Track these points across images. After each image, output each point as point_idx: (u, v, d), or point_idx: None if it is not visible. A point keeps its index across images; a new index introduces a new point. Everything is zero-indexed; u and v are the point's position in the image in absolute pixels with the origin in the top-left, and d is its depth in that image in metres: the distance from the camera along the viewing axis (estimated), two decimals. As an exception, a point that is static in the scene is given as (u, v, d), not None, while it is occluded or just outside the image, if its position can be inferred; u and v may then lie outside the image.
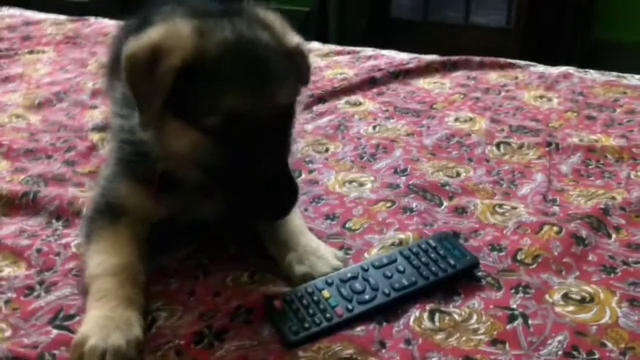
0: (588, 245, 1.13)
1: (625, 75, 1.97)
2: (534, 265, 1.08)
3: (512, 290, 1.02)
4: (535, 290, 1.02)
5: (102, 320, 0.92)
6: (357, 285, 1.00)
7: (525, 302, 0.99)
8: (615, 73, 1.99)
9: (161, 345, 0.93)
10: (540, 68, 2.02)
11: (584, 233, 1.15)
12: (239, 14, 1.03)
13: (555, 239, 1.13)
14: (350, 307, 0.97)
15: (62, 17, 2.52)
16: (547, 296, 1.01)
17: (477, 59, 2.06)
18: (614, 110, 1.73)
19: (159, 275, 1.07)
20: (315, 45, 2.23)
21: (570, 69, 2.01)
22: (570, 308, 0.98)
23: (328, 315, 0.95)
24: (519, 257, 1.10)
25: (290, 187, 0.96)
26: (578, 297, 1.00)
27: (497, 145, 1.53)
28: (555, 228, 1.16)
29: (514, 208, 1.25)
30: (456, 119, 1.68)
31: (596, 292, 1.02)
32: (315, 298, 0.98)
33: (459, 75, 1.98)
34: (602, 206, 1.24)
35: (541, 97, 1.82)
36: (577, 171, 1.42)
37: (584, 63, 2.22)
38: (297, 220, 1.13)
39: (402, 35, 4.09)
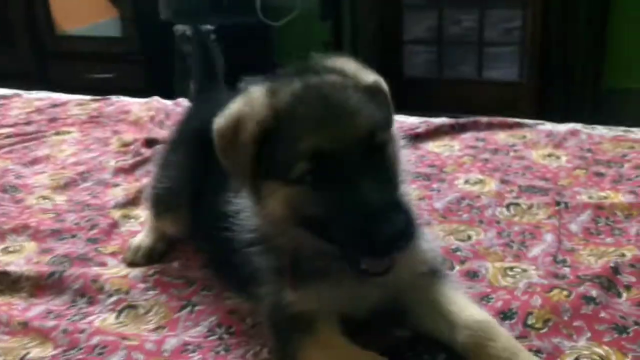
0: (599, 305, 1.14)
1: (633, 129, 2.00)
2: (545, 330, 1.09)
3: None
4: (546, 354, 1.03)
5: None
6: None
7: (536, 367, 1.01)
8: (622, 128, 2.02)
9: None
10: (548, 126, 2.07)
11: (594, 293, 1.16)
12: (309, 68, 1.05)
13: (565, 302, 1.15)
14: None
15: (87, 97, 2.64)
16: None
17: (485, 119, 2.11)
18: (622, 165, 1.76)
19: (181, 348, 1.12)
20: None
21: (578, 126, 2.05)
22: (581, 371, 0.99)
23: None
24: (529, 322, 1.11)
25: (400, 214, 0.92)
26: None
27: (507, 207, 1.56)
28: (565, 291, 1.17)
29: (524, 270, 1.27)
30: (466, 181, 1.72)
31: (607, 354, 1.03)
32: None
33: (468, 137, 2.03)
34: (612, 264, 1.26)
35: (549, 155, 1.85)
36: (587, 229, 1.44)
37: (595, 113, 2.25)
38: (475, 309, 1.07)
39: (415, 93, 4.18)
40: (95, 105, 2.55)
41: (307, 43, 4.27)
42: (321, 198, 0.94)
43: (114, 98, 2.62)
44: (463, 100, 3.84)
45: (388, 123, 1.04)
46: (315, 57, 1.08)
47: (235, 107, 1.01)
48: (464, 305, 1.06)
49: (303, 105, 0.96)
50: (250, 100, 1.00)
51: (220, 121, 1.02)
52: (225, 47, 3.90)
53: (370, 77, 1.05)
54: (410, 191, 1.62)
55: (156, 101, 2.48)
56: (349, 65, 1.05)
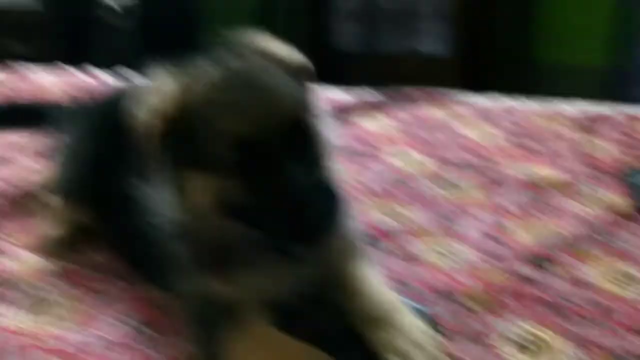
0: (534, 284, 1.12)
1: (562, 104, 2.01)
2: (480, 310, 1.06)
3: (458, 336, 1.00)
4: (481, 335, 1.00)
5: None
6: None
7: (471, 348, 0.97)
8: (554, 102, 2.03)
9: None
10: (481, 100, 2.05)
11: (529, 272, 1.15)
12: (230, 50, 0.98)
13: (501, 282, 1.12)
14: None
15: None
16: (493, 342, 0.99)
17: (416, 93, 2.07)
18: (553, 141, 1.75)
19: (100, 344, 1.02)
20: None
21: (509, 100, 2.04)
22: (518, 354, 0.96)
23: None
24: (464, 302, 1.08)
25: (325, 196, 0.88)
26: (525, 342, 0.99)
27: (440, 183, 1.53)
28: (499, 270, 1.15)
29: (457, 249, 1.24)
30: (398, 158, 1.67)
31: (544, 334, 1.00)
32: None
33: (400, 111, 1.98)
34: (545, 242, 1.24)
35: (481, 130, 1.84)
36: (519, 206, 1.42)
37: (523, 87, 2.26)
38: (383, 287, 1.03)
39: (344, 67, 4.12)
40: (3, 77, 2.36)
41: (234, 14, 4.16)
42: (248, 186, 0.89)
43: (26, 70, 2.43)
44: (392, 74, 3.82)
45: (312, 104, 0.97)
46: (236, 36, 0.99)
47: (147, 97, 0.93)
48: (376, 287, 1.02)
49: (223, 92, 0.90)
50: (163, 90, 0.92)
51: (134, 111, 0.93)
52: (148, 20, 3.78)
53: (294, 57, 0.98)
54: (339, 169, 1.59)
55: (73, 74, 2.32)
56: (272, 45, 0.98)
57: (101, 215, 1.25)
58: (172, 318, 1.03)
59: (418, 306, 1.02)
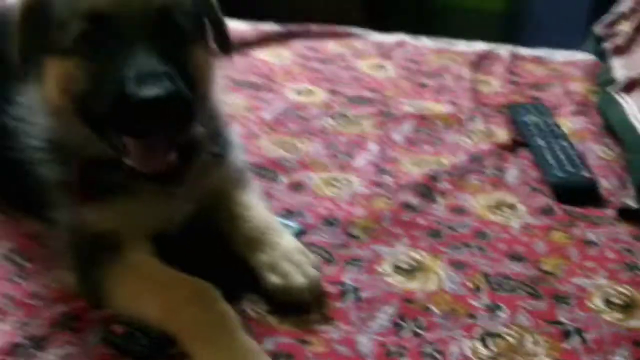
0: (417, 212, 1.17)
1: (455, 41, 2.06)
2: (366, 238, 1.10)
3: (345, 264, 1.04)
4: (366, 262, 1.05)
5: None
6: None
7: (358, 276, 1.01)
8: (446, 39, 2.07)
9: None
10: (377, 36, 2.06)
11: (413, 201, 1.19)
12: None
13: (386, 210, 1.16)
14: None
15: None
16: (378, 267, 1.03)
17: (315, 27, 2.06)
18: (444, 77, 1.80)
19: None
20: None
21: (405, 37, 2.07)
22: (400, 278, 1.01)
23: None
24: (350, 231, 1.12)
25: (167, 84, 0.77)
26: (407, 266, 1.04)
27: (334, 117, 1.54)
28: (386, 199, 1.19)
29: (349, 181, 1.27)
30: (295, 92, 1.67)
31: (422, 257, 1.06)
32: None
33: (298, 45, 1.97)
34: (430, 173, 1.29)
35: (377, 66, 1.86)
36: (409, 139, 1.47)
37: (421, 28, 2.29)
38: (263, 211, 1.03)
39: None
40: None
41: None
42: (91, 69, 0.82)
43: None
44: (292, 8, 3.75)
45: (198, 14, 0.92)
46: None
47: None
48: (257, 212, 1.02)
49: None
50: None
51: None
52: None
53: None
54: (234, 100, 1.57)
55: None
56: None
57: None
58: (51, 250, 0.99)
59: (292, 224, 1.06)
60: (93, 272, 0.91)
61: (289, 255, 0.95)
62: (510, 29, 3.64)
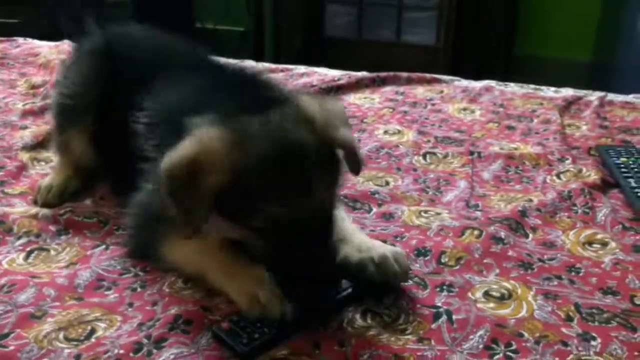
0: (507, 244, 1.20)
1: (542, 87, 2.09)
2: (457, 267, 1.14)
3: (437, 289, 1.08)
4: (458, 288, 1.08)
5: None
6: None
7: (450, 300, 1.05)
8: (532, 85, 2.11)
9: (100, 354, 0.94)
10: (464, 82, 2.13)
11: (502, 234, 1.23)
12: (276, 105, 1.03)
13: (476, 242, 1.20)
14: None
15: (-11, 38, 2.47)
16: (469, 294, 1.07)
17: (405, 74, 2.14)
18: (532, 120, 1.84)
19: (95, 284, 1.09)
20: (249, 63, 2.27)
21: (492, 83, 2.12)
22: (491, 305, 1.04)
23: (274, 325, 0.97)
24: (442, 260, 1.16)
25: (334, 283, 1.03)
26: (498, 295, 1.07)
27: (424, 155, 1.60)
28: (476, 232, 1.23)
29: (438, 214, 1.32)
30: (385, 132, 1.75)
31: (514, 287, 1.09)
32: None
33: (388, 90, 2.06)
34: (520, 209, 1.32)
35: (465, 109, 1.91)
36: (498, 177, 1.50)
37: (505, 78, 2.34)
38: (349, 224, 1.17)
39: (335, 54, 4.19)
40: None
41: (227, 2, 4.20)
42: (270, 248, 1.00)
43: (20, 39, 2.47)
44: (381, 62, 3.89)
45: (339, 185, 1.08)
46: (283, 90, 1.12)
47: (189, 148, 0.96)
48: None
49: (269, 171, 0.96)
50: (209, 147, 0.96)
51: (172, 161, 0.96)
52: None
53: (340, 132, 1.02)
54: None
55: (67, 44, 2.35)
56: (320, 113, 1.02)
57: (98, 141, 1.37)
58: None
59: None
60: (155, 239, 1.10)
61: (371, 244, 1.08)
62: (597, 78, 3.60)
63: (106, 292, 1.08)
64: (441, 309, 1.03)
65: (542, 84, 2.14)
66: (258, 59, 2.51)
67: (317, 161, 0.98)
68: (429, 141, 1.69)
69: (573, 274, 1.13)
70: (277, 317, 0.97)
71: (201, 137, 0.97)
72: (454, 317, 1.01)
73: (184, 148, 0.97)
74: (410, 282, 1.09)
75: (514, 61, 3.94)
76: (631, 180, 1.41)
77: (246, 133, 0.98)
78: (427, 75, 2.16)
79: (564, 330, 0.98)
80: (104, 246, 1.20)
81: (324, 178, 1.00)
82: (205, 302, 1.04)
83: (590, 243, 1.22)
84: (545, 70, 3.77)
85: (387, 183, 1.47)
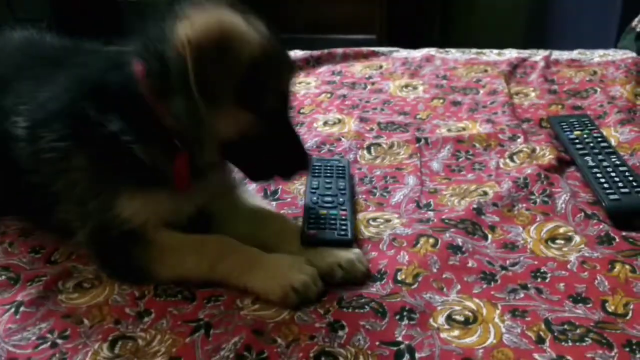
0: (466, 254, 1.11)
1: (485, 50, 1.99)
2: (415, 285, 1.04)
3: (397, 317, 0.98)
4: (419, 313, 0.98)
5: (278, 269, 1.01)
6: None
7: (411, 332, 0.95)
8: (475, 50, 2.00)
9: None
10: (403, 53, 2.01)
11: (460, 241, 1.13)
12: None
13: (432, 253, 1.10)
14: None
15: None
16: (431, 320, 0.97)
17: (340, 51, 2.01)
18: (477, 91, 1.73)
19: None
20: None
21: (432, 51, 2.00)
22: (456, 332, 0.95)
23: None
24: (399, 278, 1.05)
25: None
26: (462, 319, 0.97)
27: (368, 148, 1.49)
28: (431, 240, 1.13)
29: (388, 220, 1.21)
30: (325, 123, 1.62)
31: (478, 307, 0.99)
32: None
33: (324, 70, 1.92)
34: (475, 206, 1.22)
35: (406, 86, 1.80)
36: (448, 167, 1.40)
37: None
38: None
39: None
40: None
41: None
42: (269, 130, 1.03)
43: None
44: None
45: None
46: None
47: (213, 20, 0.95)
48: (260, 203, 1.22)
49: (278, 48, 1.03)
50: (233, 22, 0.97)
51: (194, 30, 0.93)
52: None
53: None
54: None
55: None
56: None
57: None
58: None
59: None
60: (130, 256, 1.04)
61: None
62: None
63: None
64: (402, 346, 0.93)
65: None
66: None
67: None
68: (372, 129, 1.57)
69: (539, 280, 1.04)
70: (314, 299, 0.99)
71: (214, 11, 0.97)
72: (417, 355, 0.91)
73: (204, 18, 0.95)
74: (367, 308, 0.99)
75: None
76: (587, 158, 1.33)
77: (249, 20, 1.01)
78: (364, 49, 2.02)
79: (536, 356, 0.89)
80: (13, 310, 1.04)
81: None
82: (138, 375, 0.91)
83: (553, 239, 1.14)
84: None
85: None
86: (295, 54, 1.99)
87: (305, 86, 1.83)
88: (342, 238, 1.10)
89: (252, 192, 1.26)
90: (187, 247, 1.05)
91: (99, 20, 3.44)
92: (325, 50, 2.00)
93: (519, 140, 1.46)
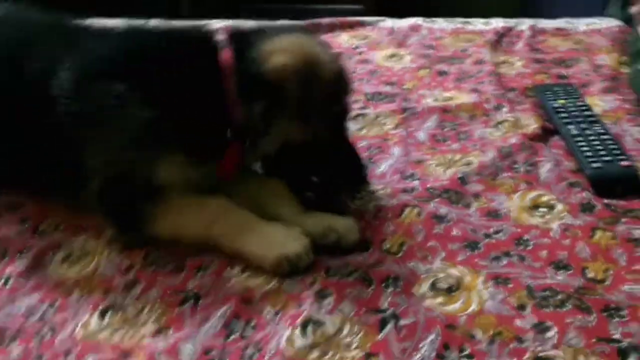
0: (450, 222, 1.12)
1: (471, 20, 1.98)
2: (400, 254, 1.06)
3: (383, 285, 1.00)
4: (404, 281, 1.00)
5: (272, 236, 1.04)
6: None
7: (396, 299, 0.97)
8: (461, 19, 2.00)
9: None
10: (389, 23, 2.00)
11: (444, 210, 1.14)
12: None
13: (418, 222, 1.12)
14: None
15: None
16: (416, 287, 0.99)
17: (326, 20, 1.99)
18: (463, 61, 1.74)
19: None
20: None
21: (419, 20, 1.99)
22: (440, 299, 0.97)
23: None
24: (384, 247, 1.07)
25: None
26: (445, 286, 0.99)
27: (355, 118, 1.49)
28: (415, 210, 1.14)
29: (372, 192, 1.22)
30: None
31: (462, 273, 1.01)
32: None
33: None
34: (459, 175, 1.24)
35: (393, 55, 1.79)
36: (434, 136, 1.41)
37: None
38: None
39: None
40: None
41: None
42: (332, 141, 1.15)
43: None
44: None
45: None
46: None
47: (298, 44, 1.10)
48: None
49: (341, 67, 1.18)
50: (312, 45, 1.13)
51: (286, 59, 1.06)
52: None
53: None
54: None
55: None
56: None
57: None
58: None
59: None
60: (140, 210, 1.06)
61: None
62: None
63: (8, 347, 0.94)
64: (387, 312, 0.95)
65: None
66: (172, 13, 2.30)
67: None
68: (358, 100, 1.57)
69: (522, 247, 1.06)
70: (303, 270, 1.01)
71: (297, 37, 1.14)
72: (401, 321, 0.93)
73: (291, 44, 1.10)
74: (354, 276, 1.01)
75: None
76: (571, 127, 1.34)
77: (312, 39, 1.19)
78: (350, 19, 2.01)
79: (518, 322, 0.91)
80: (2, 282, 1.05)
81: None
82: (126, 346, 0.93)
83: (536, 207, 1.16)
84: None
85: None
86: (281, 24, 1.97)
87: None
88: None
89: None
90: (188, 206, 1.08)
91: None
92: (311, 21, 1.99)
93: (504, 109, 1.47)
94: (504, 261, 1.03)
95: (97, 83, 1.08)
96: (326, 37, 1.91)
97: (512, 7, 3.08)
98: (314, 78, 1.08)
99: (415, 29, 1.93)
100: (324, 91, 1.10)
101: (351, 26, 1.98)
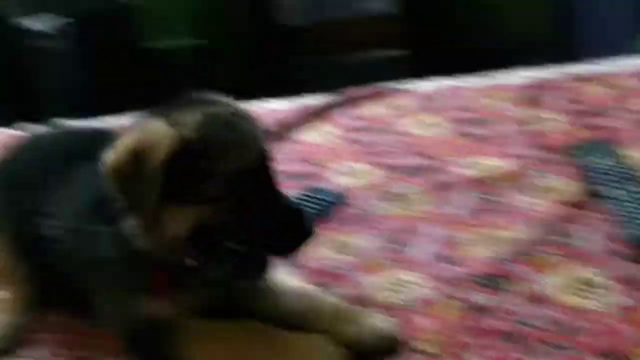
0: (491, 314, 1.06)
1: (497, 73, 1.94)
2: (437, 352, 1.01)
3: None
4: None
5: None
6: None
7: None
8: (490, 74, 1.96)
9: None
10: (419, 86, 1.97)
11: (484, 300, 1.09)
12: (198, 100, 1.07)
13: (456, 317, 1.07)
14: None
15: None
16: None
17: (358, 92, 1.97)
18: (499, 122, 1.69)
19: None
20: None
21: (448, 81, 1.96)
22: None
23: None
24: (421, 347, 1.02)
25: (302, 212, 1.05)
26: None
27: (384, 197, 1.45)
28: (455, 304, 1.10)
29: (409, 282, 1.17)
30: (341, 174, 1.59)
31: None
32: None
33: (345, 117, 1.89)
34: (500, 258, 1.18)
35: (425, 123, 1.76)
36: (471, 211, 1.36)
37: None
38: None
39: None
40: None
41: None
42: (237, 209, 1.00)
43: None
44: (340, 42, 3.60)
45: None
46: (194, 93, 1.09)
47: (130, 139, 1.01)
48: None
49: (211, 132, 1.00)
50: (151, 131, 1.01)
51: (114, 157, 1.01)
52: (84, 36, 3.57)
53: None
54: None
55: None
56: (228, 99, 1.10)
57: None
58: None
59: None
60: (161, 345, 1.06)
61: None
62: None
63: None
64: None
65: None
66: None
67: (246, 119, 1.05)
68: (391, 177, 1.53)
69: (568, 335, 0.99)
70: None
71: (144, 128, 1.02)
72: None
73: (125, 140, 1.01)
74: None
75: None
76: (615, 190, 1.27)
77: (181, 114, 1.02)
78: (380, 88, 1.99)
79: None
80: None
81: (257, 131, 1.05)
82: None
83: (578, 286, 1.09)
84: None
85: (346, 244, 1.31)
86: (313, 101, 1.96)
87: (326, 136, 1.79)
88: None
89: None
90: (215, 337, 1.07)
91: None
92: (342, 96, 1.97)
93: (544, 176, 1.42)
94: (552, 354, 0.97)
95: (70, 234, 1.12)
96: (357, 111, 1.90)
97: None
98: (138, 166, 0.99)
99: (446, 91, 1.90)
100: (156, 175, 0.98)
101: (382, 95, 1.95)
